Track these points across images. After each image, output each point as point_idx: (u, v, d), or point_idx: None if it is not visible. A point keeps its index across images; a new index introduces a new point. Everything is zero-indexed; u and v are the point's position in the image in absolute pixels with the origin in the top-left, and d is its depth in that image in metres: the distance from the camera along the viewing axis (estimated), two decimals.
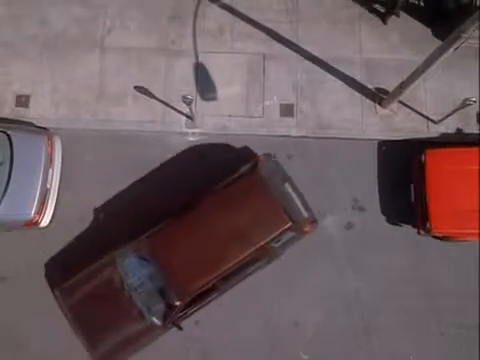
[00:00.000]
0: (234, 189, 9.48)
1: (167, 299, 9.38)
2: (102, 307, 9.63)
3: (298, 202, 9.82)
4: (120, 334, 9.60)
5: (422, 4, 11.61)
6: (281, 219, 9.31)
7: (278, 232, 9.27)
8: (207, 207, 9.36)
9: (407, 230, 10.84)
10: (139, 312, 9.59)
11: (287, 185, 9.88)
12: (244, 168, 9.94)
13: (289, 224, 9.30)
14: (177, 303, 9.19)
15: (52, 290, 10.17)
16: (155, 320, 9.56)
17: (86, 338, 9.64)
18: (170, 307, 9.36)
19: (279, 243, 9.60)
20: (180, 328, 9.57)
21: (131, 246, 9.67)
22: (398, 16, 11.60)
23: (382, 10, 11.85)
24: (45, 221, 10.40)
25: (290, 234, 9.57)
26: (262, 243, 9.23)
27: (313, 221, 9.95)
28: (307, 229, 9.85)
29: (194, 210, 9.39)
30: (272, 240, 9.31)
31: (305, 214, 9.81)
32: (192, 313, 9.82)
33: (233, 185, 9.56)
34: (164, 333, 9.79)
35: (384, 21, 11.80)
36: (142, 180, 10.97)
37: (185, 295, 9.13)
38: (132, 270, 9.67)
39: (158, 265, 9.27)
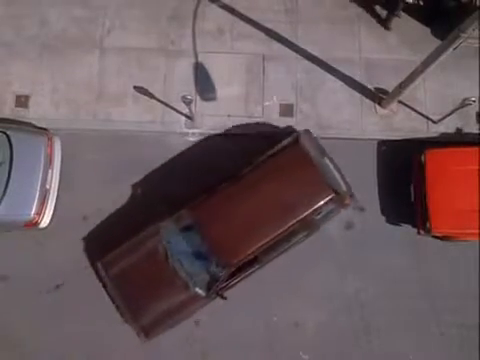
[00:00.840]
0: (278, 161, 9.61)
1: (211, 269, 9.44)
2: (145, 278, 9.64)
3: (337, 175, 9.95)
4: (163, 305, 9.59)
5: (421, 4, 11.56)
6: (324, 190, 9.43)
7: (322, 203, 9.37)
8: (251, 178, 9.49)
9: (407, 230, 10.83)
10: (183, 282, 9.61)
11: (326, 159, 10.01)
12: (284, 142, 10.04)
13: (332, 195, 9.43)
14: (222, 273, 9.25)
15: (92, 264, 10.26)
16: (199, 290, 9.58)
17: (128, 309, 9.63)
18: (214, 277, 9.42)
19: (320, 216, 9.71)
20: (224, 298, 9.56)
21: (175, 217, 9.71)
22: (399, 17, 11.60)
23: (382, 16, 11.82)
24: (45, 221, 10.38)
25: (330, 206, 9.67)
26: (306, 213, 9.32)
27: (351, 195, 10.04)
28: (347, 202, 9.95)
29: (238, 181, 9.50)
30: (315, 211, 9.41)
31: (344, 187, 9.93)
32: (235, 284, 9.82)
33: (277, 157, 9.69)
34: (207, 304, 9.80)
35: (386, 26, 11.76)
36: (142, 180, 10.96)
37: (230, 265, 9.16)
38: (176, 240, 9.69)
39: (203, 235, 9.30)
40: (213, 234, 9.18)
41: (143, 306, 9.59)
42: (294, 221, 9.28)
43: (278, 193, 9.29)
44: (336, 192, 9.54)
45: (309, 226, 9.73)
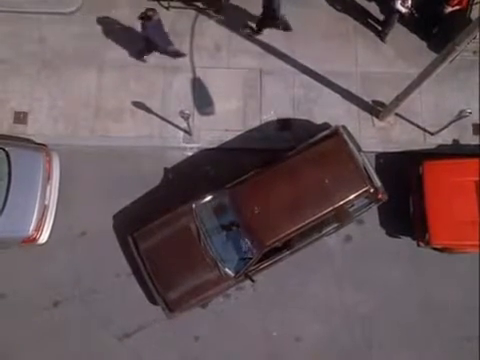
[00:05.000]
0: (318, 149, 9.79)
1: (242, 250, 9.54)
2: (175, 255, 9.73)
3: (372, 171, 10.10)
4: (190, 283, 9.68)
5: (416, 15, 11.63)
6: (361, 182, 9.61)
7: (358, 193, 9.51)
8: (290, 164, 9.66)
9: (406, 242, 10.81)
10: (212, 262, 9.69)
11: (362, 154, 10.14)
12: (324, 133, 10.25)
13: (368, 186, 9.58)
14: (252, 255, 9.32)
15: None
16: (228, 271, 9.64)
17: (158, 282, 9.68)
18: (244, 259, 9.48)
19: (353, 208, 9.80)
20: (253, 281, 9.59)
21: (210, 195, 9.83)
22: (383, 40, 11.74)
23: (378, 28, 11.93)
24: (43, 238, 10.33)
25: (364, 200, 9.81)
26: (341, 203, 9.40)
27: (384, 191, 10.12)
28: (380, 196, 10.04)
29: (277, 165, 9.65)
30: (350, 201, 9.50)
31: (378, 182, 10.05)
32: (264, 268, 9.83)
33: (317, 145, 9.86)
34: (235, 285, 9.86)
35: (382, 39, 11.87)
36: (140, 195, 10.96)
37: (263, 246, 9.23)
38: (209, 219, 9.80)
39: (238, 215, 9.42)
40: (248, 215, 9.28)
41: (170, 282, 9.68)
42: (330, 208, 9.35)
43: (316, 180, 9.44)
44: (372, 185, 9.69)
45: (342, 217, 9.75)
